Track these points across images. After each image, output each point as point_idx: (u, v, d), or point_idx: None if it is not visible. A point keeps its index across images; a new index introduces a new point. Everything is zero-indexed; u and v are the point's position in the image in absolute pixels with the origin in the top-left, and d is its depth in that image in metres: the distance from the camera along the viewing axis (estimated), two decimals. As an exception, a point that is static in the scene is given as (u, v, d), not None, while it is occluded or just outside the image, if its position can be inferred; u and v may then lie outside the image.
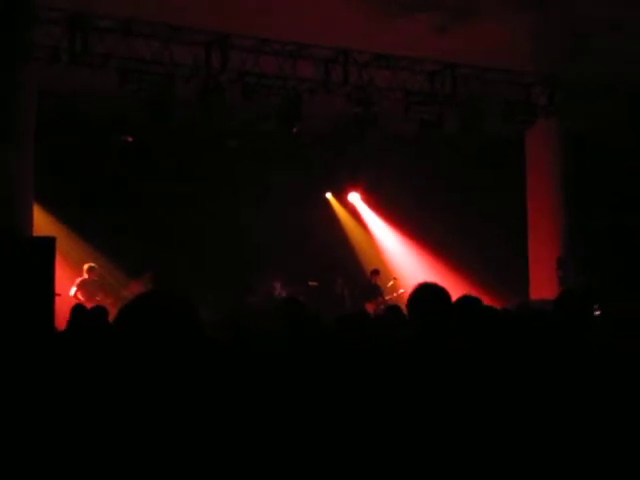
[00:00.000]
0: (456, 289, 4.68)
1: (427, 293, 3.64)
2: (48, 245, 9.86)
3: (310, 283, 14.99)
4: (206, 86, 11.68)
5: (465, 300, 4.30)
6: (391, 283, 15.46)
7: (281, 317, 5.00)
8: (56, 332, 8.22)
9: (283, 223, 15.24)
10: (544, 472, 3.08)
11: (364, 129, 12.94)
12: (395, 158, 15.78)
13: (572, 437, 3.21)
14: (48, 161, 11.66)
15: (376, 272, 15.34)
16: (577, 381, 3.46)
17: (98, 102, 12.89)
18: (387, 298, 14.67)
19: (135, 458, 1.95)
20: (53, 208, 13.56)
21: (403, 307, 4.58)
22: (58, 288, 10.34)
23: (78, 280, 12.90)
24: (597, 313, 5.76)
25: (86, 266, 13.05)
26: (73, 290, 12.72)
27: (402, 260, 17.23)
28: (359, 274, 16.25)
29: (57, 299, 10.12)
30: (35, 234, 10.74)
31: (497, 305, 5.61)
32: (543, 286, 13.80)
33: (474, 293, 4.86)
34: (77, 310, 7.36)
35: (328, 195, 17.79)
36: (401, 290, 14.63)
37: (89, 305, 10.12)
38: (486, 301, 4.62)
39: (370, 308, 13.89)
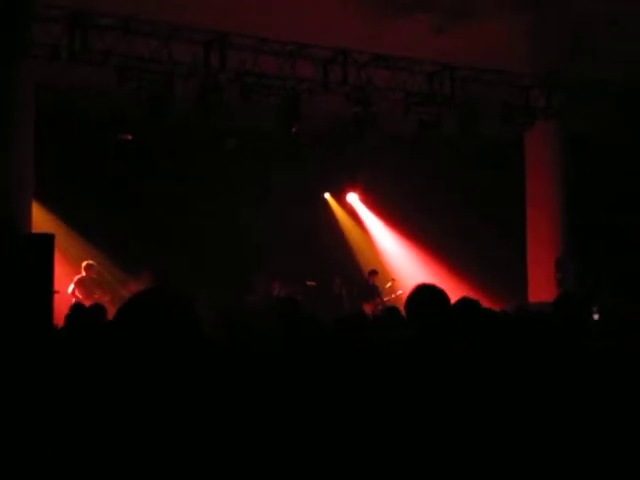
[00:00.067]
0: (454, 290, 4.69)
1: (425, 295, 3.64)
2: (47, 242, 9.87)
3: (308, 283, 14.98)
4: (205, 85, 11.67)
5: (464, 302, 4.31)
6: (389, 284, 15.44)
7: (276, 317, 5.00)
8: (54, 329, 8.23)
9: (281, 223, 15.23)
10: (543, 474, 3.08)
11: (363, 129, 12.94)
12: (394, 158, 15.77)
13: (570, 439, 3.22)
14: (48, 158, 11.64)
15: (374, 273, 15.32)
16: (575, 384, 3.47)
17: (96, 99, 12.89)
18: (385, 299, 14.66)
19: (132, 456, 1.95)
20: (52, 205, 13.56)
21: (401, 308, 4.58)
22: (57, 285, 10.34)
23: (76, 278, 12.89)
24: (596, 317, 5.76)
25: (84, 264, 13.04)
26: (71, 287, 12.72)
27: (400, 261, 17.22)
28: (357, 274, 16.24)
29: (55, 296, 10.13)
30: (34, 231, 10.74)
31: (495, 307, 5.62)
32: (541, 287, 13.81)
33: (472, 294, 4.87)
34: (75, 308, 7.38)
35: (326, 195, 17.78)
36: (399, 291, 14.61)
37: (87, 303, 10.16)
38: (484, 302, 4.63)
39: (368, 309, 13.89)
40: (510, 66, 13.39)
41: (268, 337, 4.83)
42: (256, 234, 14.88)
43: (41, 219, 12.60)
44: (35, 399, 3.13)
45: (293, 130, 12.48)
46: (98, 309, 6.87)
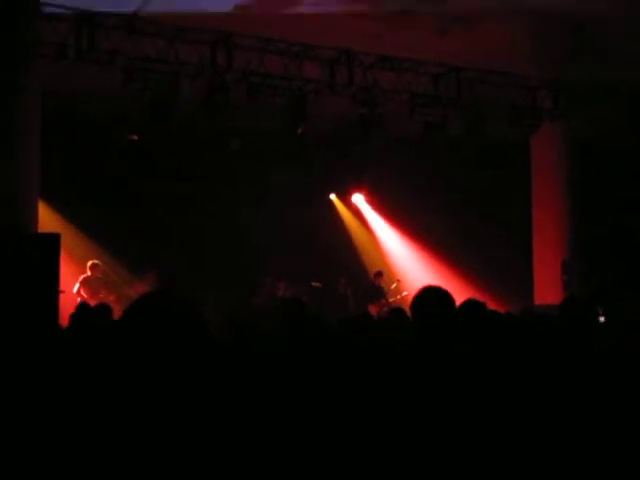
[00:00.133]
0: (460, 292, 4.68)
1: (431, 296, 3.64)
2: (53, 242, 9.87)
3: (313, 284, 14.99)
4: (212, 85, 11.68)
5: (470, 304, 4.30)
6: (394, 285, 15.45)
7: (281, 317, 5.00)
8: (59, 329, 8.24)
9: (286, 224, 15.24)
10: (548, 476, 3.08)
11: (369, 130, 12.93)
12: (399, 160, 15.76)
13: (575, 442, 3.21)
14: (54, 159, 11.67)
15: (380, 274, 15.33)
16: (581, 386, 3.46)
17: (99, 103, 12.91)
18: (391, 300, 14.66)
19: (138, 456, 1.95)
20: (58, 205, 13.60)
21: (407, 310, 4.58)
22: (62, 285, 10.35)
23: (81, 277, 12.92)
24: (602, 319, 5.74)
25: (90, 263, 13.07)
26: (76, 287, 12.74)
27: (406, 262, 17.21)
28: (362, 275, 16.24)
29: (61, 296, 10.14)
30: (40, 231, 10.76)
31: (500, 309, 5.61)
32: (547, 289, 13.79)
33: (478, 296, 4.86)
34: (81, 307, 7.38)
35: (332, 196, 17.78)
36: (405, 292, 14.62)
37: (92, 302, 10.18)
38: (490, 304, 4.62)
39: (373, 310, 13.89)
40: (516, 68, 13.38)
41: (273, 337, 4.83)
42: (260, 235, 14.89)
43: (47, 219, 12.63)
44: (41, 398, 3.14)
45: (299, 131, 12.47)
46: (103, 309, 6.87)
